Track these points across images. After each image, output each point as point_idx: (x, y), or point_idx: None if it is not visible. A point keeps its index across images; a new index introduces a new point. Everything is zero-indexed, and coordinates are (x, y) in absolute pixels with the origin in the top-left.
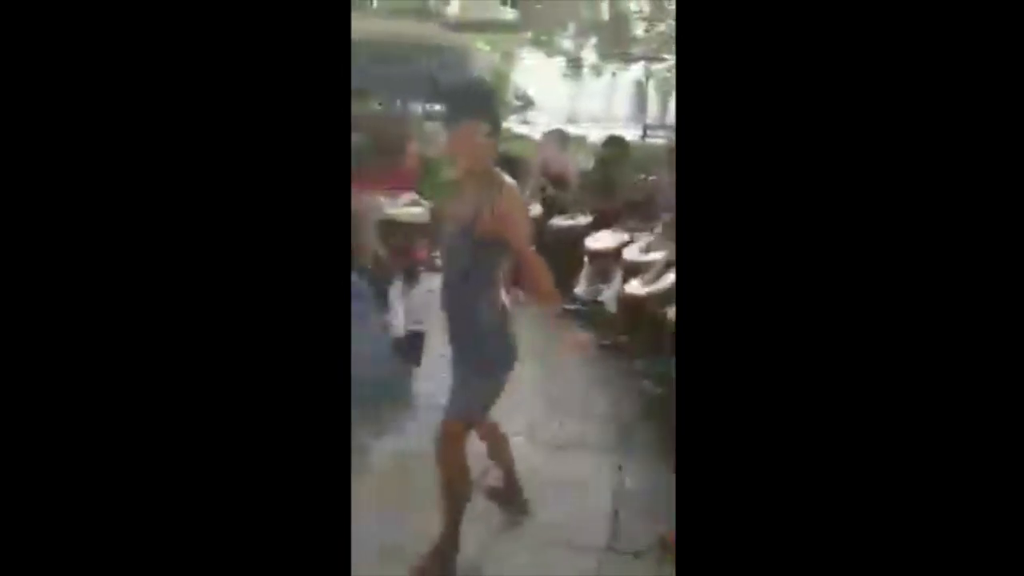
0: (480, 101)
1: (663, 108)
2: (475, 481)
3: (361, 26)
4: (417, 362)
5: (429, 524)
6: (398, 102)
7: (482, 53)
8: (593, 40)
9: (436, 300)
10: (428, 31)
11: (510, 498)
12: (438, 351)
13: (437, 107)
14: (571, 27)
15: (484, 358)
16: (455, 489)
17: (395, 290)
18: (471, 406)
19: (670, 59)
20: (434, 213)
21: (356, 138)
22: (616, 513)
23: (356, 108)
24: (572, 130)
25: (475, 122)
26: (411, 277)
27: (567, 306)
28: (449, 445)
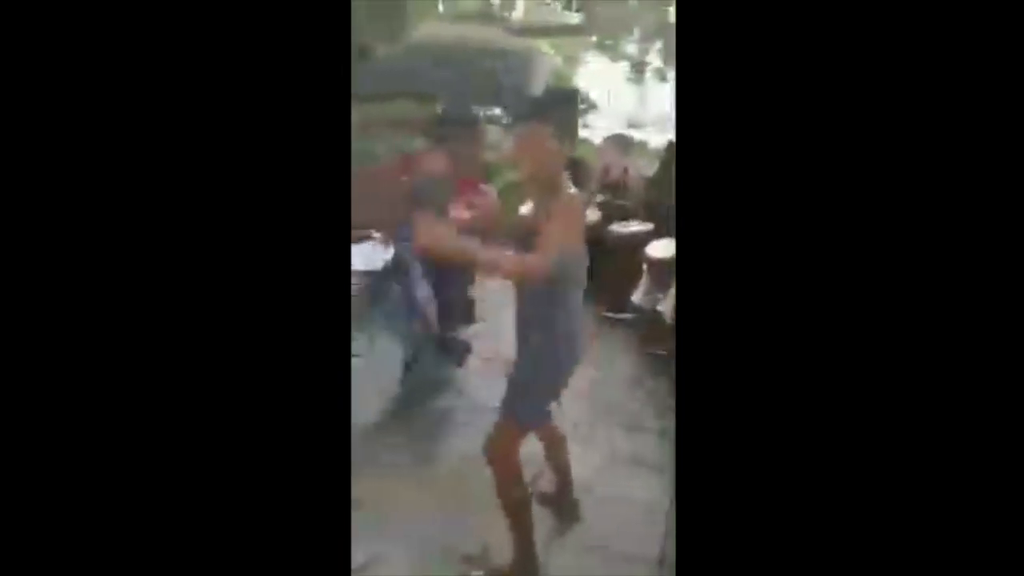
0: (557, 106)
1: None
2: (530, 484)
3: (425, 30)
4: (460, 363)
5: (492, 527)
6: (460, 106)
7: (546, 57)
8: (658, 44)
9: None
10: (492, 35)
11: (561, 502)
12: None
13: (498, 111)
14: (636, 31)
15: (537, 358)
16: (510, 492)
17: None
18: (525, 407)
19: None
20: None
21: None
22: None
23: (419, 112)
24: (635, 135)
25: (545, 127)
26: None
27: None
28: (500, 446)
